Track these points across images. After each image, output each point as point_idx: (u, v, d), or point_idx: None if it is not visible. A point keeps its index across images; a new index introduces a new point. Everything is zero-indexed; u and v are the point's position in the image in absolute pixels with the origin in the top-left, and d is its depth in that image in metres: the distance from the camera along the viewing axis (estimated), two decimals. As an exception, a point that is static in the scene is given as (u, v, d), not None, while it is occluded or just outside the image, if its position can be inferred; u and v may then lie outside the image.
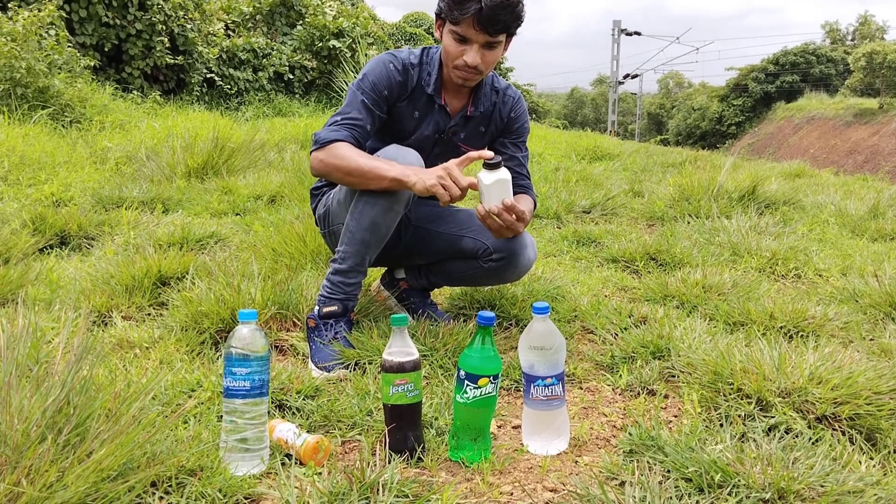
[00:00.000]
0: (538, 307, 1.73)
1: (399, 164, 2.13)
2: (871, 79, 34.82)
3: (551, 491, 1.57)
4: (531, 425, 1.77)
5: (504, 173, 2.08)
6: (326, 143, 2.22)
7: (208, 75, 14.30)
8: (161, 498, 1.44)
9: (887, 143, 30.89)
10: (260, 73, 15.49)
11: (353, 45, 16.15)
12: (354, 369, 2.19)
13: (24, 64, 8.27)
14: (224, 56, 14.91)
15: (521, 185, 2.54)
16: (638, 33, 36.63)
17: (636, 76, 42.73)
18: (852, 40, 47.80)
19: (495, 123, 2.52)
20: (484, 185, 2.08)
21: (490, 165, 2.06)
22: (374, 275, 2.99)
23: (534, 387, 1.73)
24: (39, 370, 1.54)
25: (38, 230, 3.85)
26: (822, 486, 1.47)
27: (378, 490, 1.47)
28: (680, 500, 1.47)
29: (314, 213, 2.63)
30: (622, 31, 35.47)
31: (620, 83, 37.99)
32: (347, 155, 2.18)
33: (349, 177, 2.18)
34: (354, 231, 2.24)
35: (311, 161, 2.27)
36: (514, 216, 2.13)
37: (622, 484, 1.56)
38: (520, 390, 2.14)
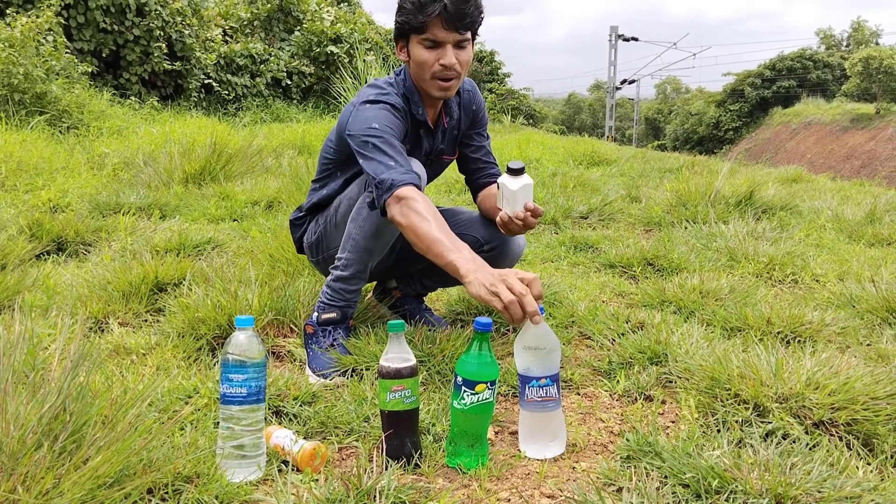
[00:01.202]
0: None
1: (465, 250, 1.88)
2: (867, 84, 34.94)
3: (549, 497, 1.57)
4: (527, 428, 1.77)
5: (528, 178, 2.14)
6: (400, 187, 2.01)
7: (206, 81, 14.32)
8: (157, 505, 1.44)
9: (884, 147, 30.98)
10: (258, 79, 15.52)
11: (351, 51, 16.19)
12: (352, 376, 2.19)
13: (21, 70, 8.28)
14: (222, 62, 14.93)
15: (492, 173, 2.59)
16: (635, 39, 36.75)
17: (633, 81, 42.80)
18: (847, 46, 47.97)
19: (462, 122, 2.53)
20: (510, 190, 2.14)
21: (513, 171, 2.11)
22: (369, 287, 2.99)
23: (528, 388, 1.73)
24: (36, 377, 1.54)
25: (34, 236, 3.85)
26: (819, 492, 1.47)
27: (375, 497, 1.46)
28: (677, 506, 1.47)
29: (298, 244, 2.61)
30: (619, 36, 35.55)
31: (618, 88, 38.04)
32: (427, 217, 1.96)
33: (414, 236, 1.97)
34: (357, 238, 2.23)
35: (391, 211, 2.02)
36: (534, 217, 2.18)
37: (620, 490, 1.56)
38: (517, 396, 2.14)
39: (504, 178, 2.16)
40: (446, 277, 2.64)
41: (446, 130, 2.48)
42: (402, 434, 1.67)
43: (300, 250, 2.64)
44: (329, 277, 2.33)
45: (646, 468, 1.63)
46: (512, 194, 2.14)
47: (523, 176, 2.15)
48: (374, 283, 2.84)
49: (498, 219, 2.23)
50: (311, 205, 2.55)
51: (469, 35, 2.21)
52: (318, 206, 2.54)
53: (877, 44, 44.21)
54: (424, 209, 1.97)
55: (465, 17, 2.14)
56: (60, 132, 8.29)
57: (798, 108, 40.01)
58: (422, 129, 2.39)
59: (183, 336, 2.41)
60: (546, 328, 1.75)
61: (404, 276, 2.71)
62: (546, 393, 1.73)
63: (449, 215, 2.56)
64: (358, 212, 2.23)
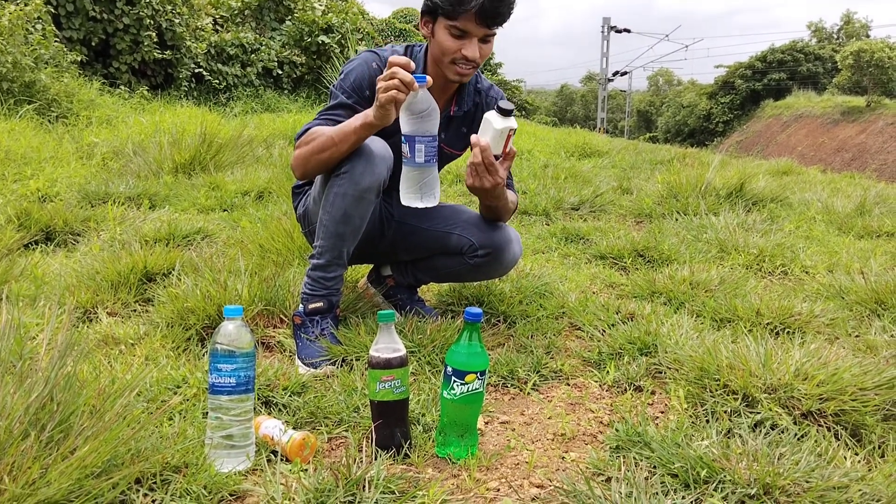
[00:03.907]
0: None
1: (360, 113, 2.11)
2: (858, 77, 34.99)
3: (538, 487, 1.58)
4: (407, 181, 2.03)
5: (499, 122, 2.07)
6: (300, 137, 2.23)
7: (196, 70, 14.23)
8: (145, 495, 1.43)
9: (874, 140, 31.09)
10: (248, 69, 15.42)
11: (343, 41, 16.12)
12: (341, 366, 2.18)
13: (10, 58, 8.20)
14: (212, 51, 14.84)
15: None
16: (627, 30, 36.78)
17: (626, 73, 42.83)
18: (837, 39, 48.07)
19: (478, 124, 2.50)
20: (493, 128, 2.09)
21: (501, 110, 2.07)
22: (362, 271, 2.98)
23: (416, 146, 1.97)
24: (23, 366, 1.53)
25: (23, 226, 3.82)
26: (807, 482, 1.48)
27: (364, 486, 1.46)
28: (666, 495, 1.47)
29: (296, 212, 2.61)
30: (612, 28, 35.54)
31: (610, 80, 38.07)
32: (316, 134, 2.17)
33: (323, 152, 2.15)
34: (328, 224, 2.23)
35: (291, 162, 2.26)
36: (483, 159, 2.09)
37: (608, 480, 1.56)
38: (507, 386, 2.14)
39: (489, 114, 2.10)
40: (439, 273, 2.63)
41: (452, 119, 2.45)
42: (391, 424, 1.67)
43: (298, 220, 2.64)
44: (308, 267, 2.32)
45: (635, 458, 1.63)
46: (495, 133, 2.08)
47: (503, 118, 2.07)
48: (371, 268, 2.83)
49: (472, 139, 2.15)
50: None
51: (496, 30, 2.22)
52: None
53: (867, 36, 44.30)
54: (314, 133, 2.19)
55: (499, 17, 2.16)
56: (49, 121, 8.22)
57: (789, 101, 40.07)
58: None
59: (172, 326, 2.40)
60: (426, 93, 1.94)
61: (399, 265, 2.70)
62: (429, 150, 1.97)
63: (449, 212, 2.55)
64: (326, 197, 2.22)
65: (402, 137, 1.99)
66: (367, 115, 2.05)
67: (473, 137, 2.11)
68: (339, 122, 2.24)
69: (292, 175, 4.91)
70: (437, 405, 1.87)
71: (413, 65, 1.95)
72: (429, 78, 1.95)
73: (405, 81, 1.92)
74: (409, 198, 2.04)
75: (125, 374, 1.89)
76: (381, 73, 2.29)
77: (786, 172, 8.56)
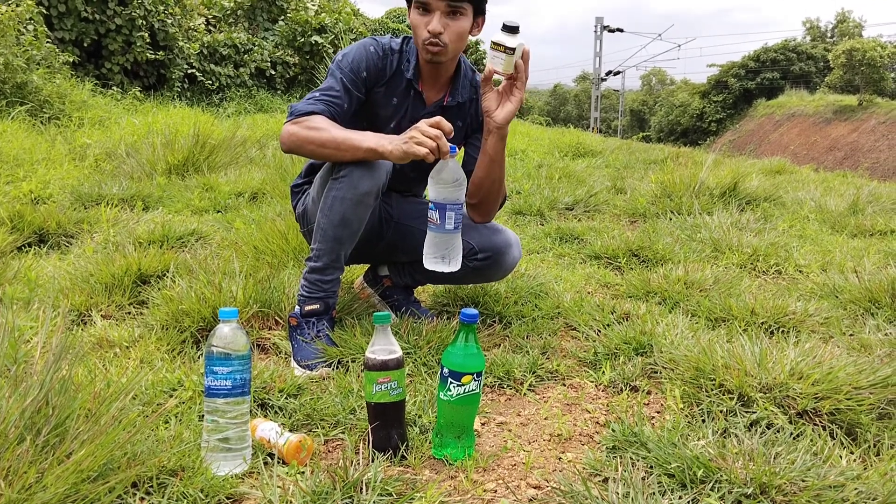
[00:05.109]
0: None
1: (370, 134, 2.11)
2: (850, 76, 35.13)
3: (535, 488, 1.58)
4: (433, 246, 2.08)
5: (514, 41, 2.06)
6: (302, 115, 2.19)
7: (189, 71, 14.21)
8: (142, 499, 1.43)
9: (867, 139, 31.23)
10: (241, 69, 15.40)
11: (336, 41, 16.10)
12: (337, 367, 2.18)
13: (1, 59, 8.17)
14: (205, 51, 14.81)
15: None
16: (620, 30, 36.78)
17: (619, 73, 42.81)
18: (832, 37, 48.27)
19: (471, 117, 2.48)
20: (509, 47, 2.08)
21: (509, 28, 2.06)
22: (357, 271, 2.98)
23: (447, 213, 2.02)
24: (17, 370, 1.52)
25: (16, 228, 3.80)
26: (803, 481, 1.48)
27: (361, 489, 1.46)
28: (663, 495, 1.48)
29: (294, 211, 2.61)
30: (605, 27, 35.56)
31: (603, 80, 38.08)
32: (321, 126, 2.14)
33: (322, 149, 2.14)
34: (326, 228, 2.22)
35: (282, 134, 2.20)
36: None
37: (605, 480, 1.56)
38: (503, 387, 2.14)
39: (500, 37, 2.07)
40: (436, 275, 2.62)
41: (445, 109, 2.42)
42: (388, 426, 1.66)
43: (297, 219, 2.63)
44: (304, 269, 2.31)
45: (631, 458, 1.63)
46: (509, 51, 2.06)
47: (506, 35, 2.06)
48: (367, 268, 2.82)
49: (482, 76, 2.20)
50: (308, 168, 2.57)
51: (464, 5, 2.18)
52: (313, 170, 2.53)
53: (860, 36, 44.46)
54: (319, 123, 2.14)
55: None
56: (42, 123, 8.19)
57: (781, 100, 40.20)
58: (412, 91, 2.37)
59: (167, 328, 2.39)
60: (456, 163, 2.00)
61: (396, 266, 2.69)
62: (457, 217, 2.02)
63: None
64: (324, 201, 2.21)
65: (431, 205, 2.02)
66: (382, 144, 2.05)
67: (488, 69, 2.14)
68: (336, 104, 2.24)
69: (287, 175, 4.92)
70: (434, 406, 1.87)
71: (453, 133, 2.01)
72: (458, 150, 1.99)
73: (442, 150, 1.97)
74: (433, 262, 2.08)
75: (120, 378, 1.88)
76: (379, 56, 2.32)
77: (779, 171, 8.59)
